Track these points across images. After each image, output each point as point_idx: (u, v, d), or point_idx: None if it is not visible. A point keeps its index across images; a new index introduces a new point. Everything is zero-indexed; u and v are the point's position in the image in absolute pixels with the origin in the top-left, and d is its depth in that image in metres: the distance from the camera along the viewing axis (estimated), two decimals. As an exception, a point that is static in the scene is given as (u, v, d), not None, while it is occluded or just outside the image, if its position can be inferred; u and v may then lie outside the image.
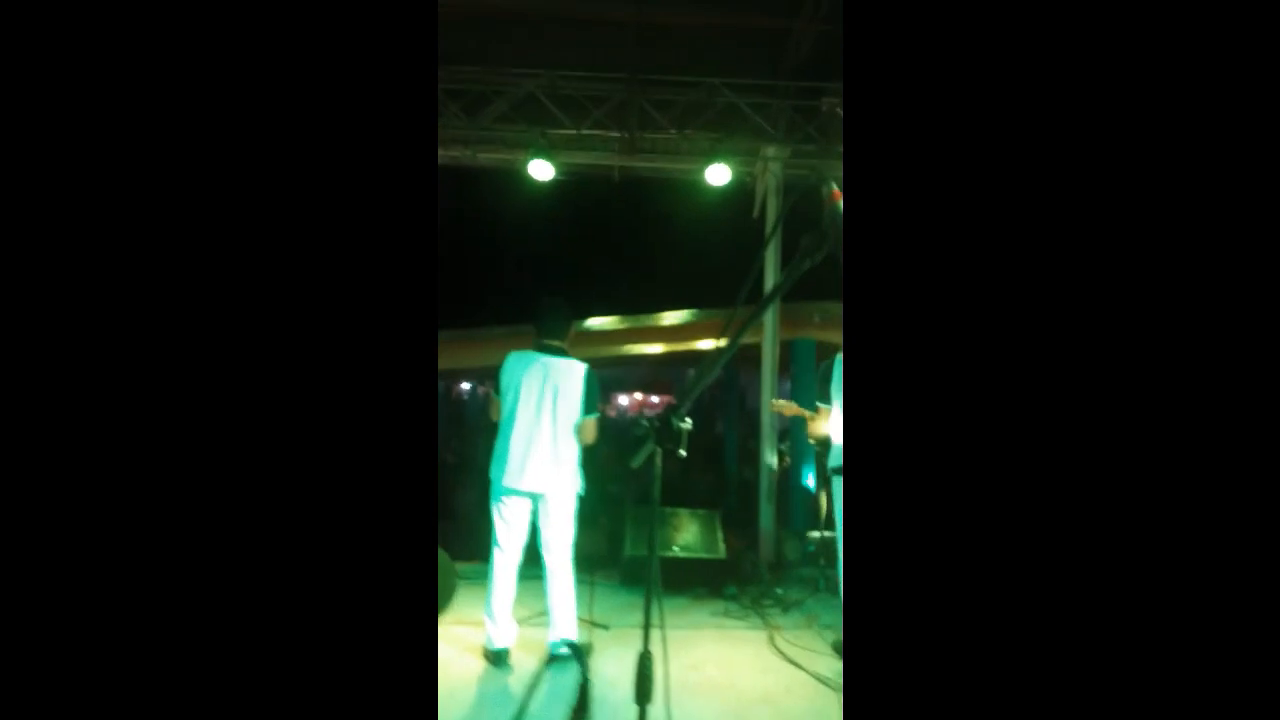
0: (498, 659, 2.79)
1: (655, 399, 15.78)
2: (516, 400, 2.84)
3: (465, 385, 13.60)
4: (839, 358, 3.10)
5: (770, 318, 4.92)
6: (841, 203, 0.96)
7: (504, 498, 2.82)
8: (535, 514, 2.87)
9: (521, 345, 2.96)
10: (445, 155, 4.55)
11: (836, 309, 6.39)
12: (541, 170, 4.34)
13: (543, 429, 2.81)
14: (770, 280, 4.53)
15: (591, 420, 2.91)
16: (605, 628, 3.32)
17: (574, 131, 4.33)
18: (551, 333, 2.95)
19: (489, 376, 2.89)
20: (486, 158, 4.60)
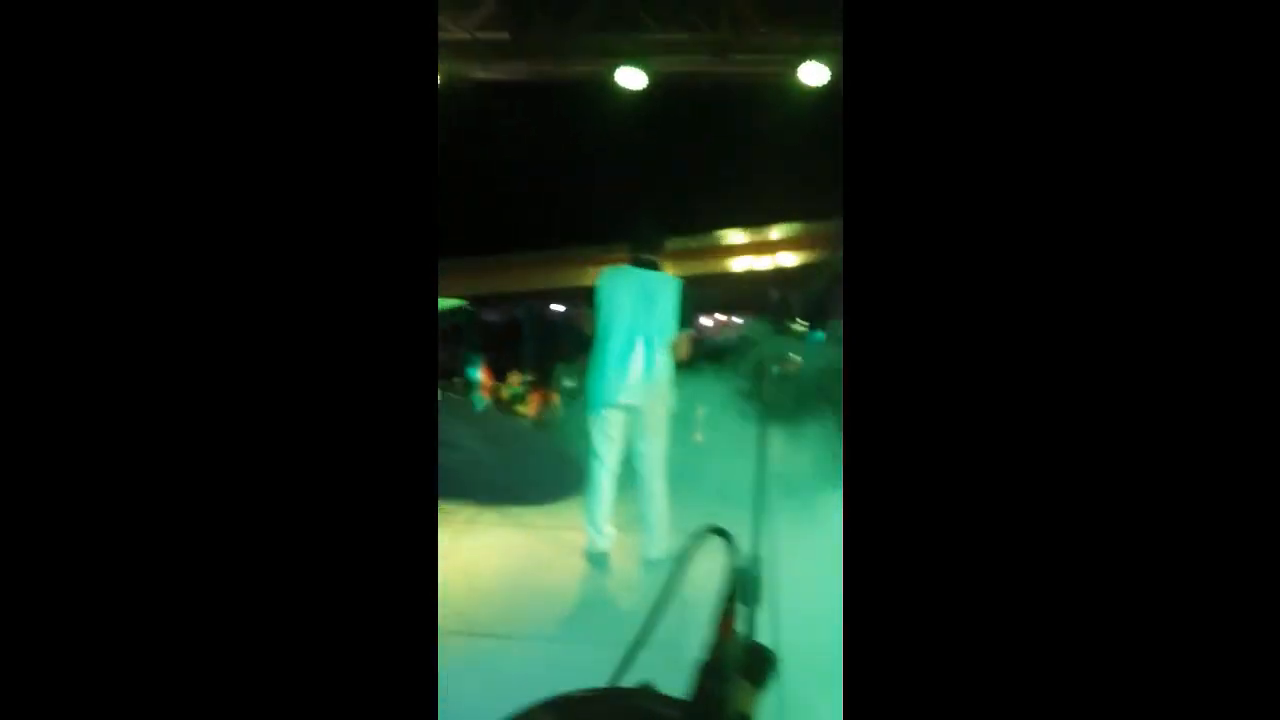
0: (598, 561, 2.95)
1: (739, 320, 15.46)
2: (612, 315, 2.88)
3: (558, 307, 13.58)
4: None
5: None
6: None
7: (602, 411, 2.90)
8: (631, 426, 2.93)
9: (616, 262, 3.00)
10: (533, 69, 4.47)
11: None
12: (633, 79, 4.21)
13: (636, 343, 2.85)
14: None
15: (685, 335, 2.92)
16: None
17: (663, 36, 4.14)
18: (646, 247, 2.97)
19: (572, 298, 2.92)
20: (575, 69, 4.49)
